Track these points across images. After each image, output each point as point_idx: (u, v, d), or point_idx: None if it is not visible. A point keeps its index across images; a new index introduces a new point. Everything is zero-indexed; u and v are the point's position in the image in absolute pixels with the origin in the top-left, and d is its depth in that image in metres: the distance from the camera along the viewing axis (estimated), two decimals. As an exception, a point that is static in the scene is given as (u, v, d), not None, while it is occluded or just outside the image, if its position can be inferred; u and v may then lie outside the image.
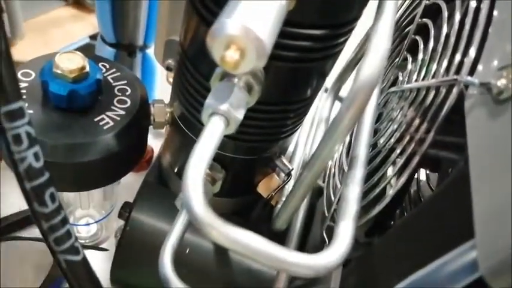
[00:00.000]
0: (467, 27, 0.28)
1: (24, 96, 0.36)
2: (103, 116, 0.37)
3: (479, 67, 0.25)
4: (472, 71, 0.26)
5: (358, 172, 0.28)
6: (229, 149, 0.38)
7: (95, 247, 0.51)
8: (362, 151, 0.29)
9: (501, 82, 0.21)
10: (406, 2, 0.43)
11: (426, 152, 0.26)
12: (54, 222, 0.22)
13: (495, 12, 0.26)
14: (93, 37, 1.46)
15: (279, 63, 0.30)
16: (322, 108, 0.52)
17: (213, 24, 0.21)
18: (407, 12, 0.41)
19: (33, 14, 1.54)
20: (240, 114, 0.27)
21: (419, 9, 0.38)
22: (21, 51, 1.43)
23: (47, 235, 0.22)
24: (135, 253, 0.43)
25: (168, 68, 0.58)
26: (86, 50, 1.38)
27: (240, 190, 0.44)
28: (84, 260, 0.24)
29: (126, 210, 0.44)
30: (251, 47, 0.21)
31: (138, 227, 0.42)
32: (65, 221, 0.22)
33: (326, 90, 0.54)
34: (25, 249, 0.68)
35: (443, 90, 0.27)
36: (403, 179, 0.26)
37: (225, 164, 0.39)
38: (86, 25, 1.55)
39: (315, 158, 0.28)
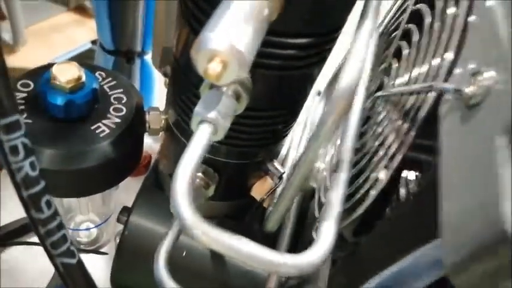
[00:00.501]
0: (446, 33, 0.29)
1: (23, 107, 0.37)
2: (99, 124, 0.38)
3: (455, 72, 0.26)
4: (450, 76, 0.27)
5: (343, 175, 0.29)
6: (221, 154, 0.39)
7: (95, 251, 0.53)
8: (346, 155, 0.30)
9: (471, 88, 0.22)
10: (395, 7, 0.44)
11: (407, 155, 0.28)
12: (51, 227, 0.23)
13: (470, 18, 0.27)
14: (95, 42, 1.47)
15: (265, 71, 0.32)
16: (314, 111, 0.53)
17: (197, 38, 0.22)
18: (395, 17, 0.43)
19: (35, 20, 1.56)
20: (227, 122, 0.28)
21: (406, 15, 0.39)
22: (24, 57, 1.45)
23: (44, 239, 0.24)
24: (133, 256, 0.44)
25: (165, 75, 0.60)
26: (88, 55, 1.40)
27: (235, 194, 0.45)
28: (80, 263, 0.25)
29: (124, 214, 0.46)
30: (233, 60, 0.22)
31: (136, 231, 0.43)
32: (60, 226, 0.24)
33: (319, 94, 0.55)
34: (31, 252, 0.70)
35: (423, 95, 0.28)
36: (384, 181, 0.27)
37: (218, 169, 0.40)
38: (87, 30, 1.56)
39: (301, 161, 0.30)
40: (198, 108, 0.27)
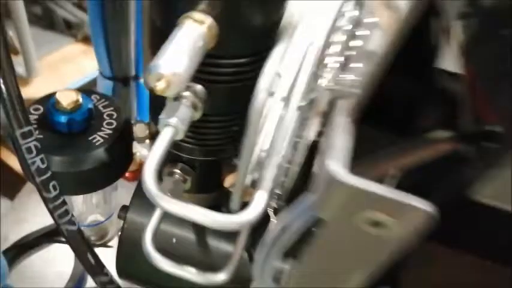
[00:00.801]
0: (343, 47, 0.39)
1: (35, 125, 0.48)
2: (95, 135, 0.48)
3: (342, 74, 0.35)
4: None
5: (274, 160, 0.39)
6: (194, 153, 0.48)
7: (103, 245, 0.63)
8: (278, 144, 0.40)
9: (337, 86, 0.32)
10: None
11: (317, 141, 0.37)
12: (57, 203, 0.33)
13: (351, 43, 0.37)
14: (101, 69, 1.54)
15: (217, 85, 0.41)
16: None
17: (149, 64, 0.32)
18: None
19: (45, 52, 1.64)
20: (186, 125, 0.37)
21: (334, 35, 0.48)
22: (37, 88, 1.52)
23: (52, 212, 0.33)
24: (132, 247, 0.52)
25: (155, 94, 0.70)
26: (95, 83, 1.49)
27: (210, 186, 0.54)
28: (79, 229, 0.35)
29: (123, 211, 0.55)
30: (173, 80, 0.31)
31: (133, 225, 0.53)
32: (63, 202, 0.34)
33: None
34: (48, 258, 0.80)
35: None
36: (300, 161, 0.37)
37: (193, 165, 0.50)
38: (94, 59, 1.65)
39: (243, 151, 0.39)
40: (162, 115, 0.37)
